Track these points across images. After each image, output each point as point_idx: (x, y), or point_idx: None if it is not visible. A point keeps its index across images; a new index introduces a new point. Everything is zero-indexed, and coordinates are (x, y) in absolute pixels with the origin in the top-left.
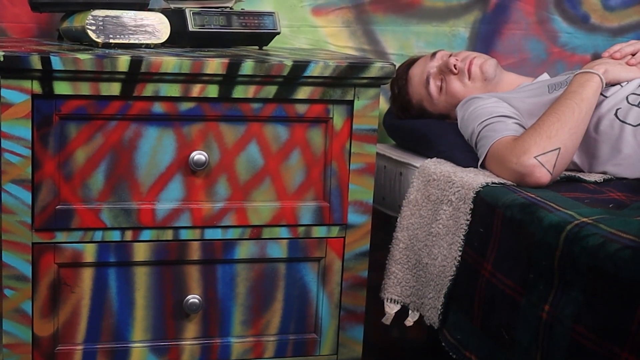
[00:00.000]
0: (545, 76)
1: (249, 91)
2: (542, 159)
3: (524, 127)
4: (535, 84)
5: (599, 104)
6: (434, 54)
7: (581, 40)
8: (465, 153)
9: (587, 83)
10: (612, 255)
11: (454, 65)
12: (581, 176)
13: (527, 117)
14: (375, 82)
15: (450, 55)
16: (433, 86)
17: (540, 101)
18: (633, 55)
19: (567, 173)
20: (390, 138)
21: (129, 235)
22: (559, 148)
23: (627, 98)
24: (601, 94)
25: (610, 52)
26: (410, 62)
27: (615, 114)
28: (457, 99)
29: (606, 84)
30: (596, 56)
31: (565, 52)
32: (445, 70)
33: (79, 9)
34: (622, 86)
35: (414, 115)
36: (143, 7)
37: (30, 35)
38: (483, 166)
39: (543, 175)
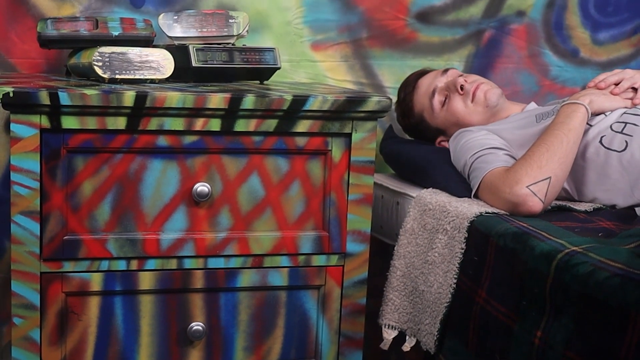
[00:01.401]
0: (532, 105)
1: (251, 125)
2: (534, 189)
3: (514, 158)
4: (524, 114)
5: (584, 133)
6: (445, 70)
7: (571, 74)
8: (459, 184)
9: (573, 114)
10: (602, 283)
11: (461, 86)
12: (572, 205)
13: (517, 148)
14: (372, 116)
15: (460, 76)
16: (437, 100)
17: (529, 132)
18: (616, 84)
19: (558, 202)
20: (387, 166)
21: (134, 265)
22: (550, 177)
23: (610, 126)
24: (587, 123)
25: (596, 81)
26: (422, 73)
27: (600, 142)
28: (456, 117)
29: (591, 114)
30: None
31: (555, 84)
32: (452, 88)
33: (86, 46)
34: (606, 115)
35: (412, 124)
36: (148, 43)
37: (39, 71)
38: (476, 196)
39: (535, 204)
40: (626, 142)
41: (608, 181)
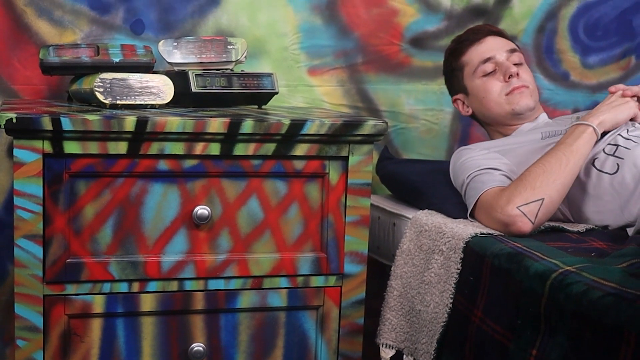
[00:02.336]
0: (544, 117)
1: (249, 149)
2: (524, 209)
3: (511, 179)
4: (530, 131)
5: None
6: (513, 50)
7: (562, 97)
8: (455, 205)
9: (580, 135)
10: (595, 302)
11: (510, 75)
12: (565, 226)
13: (517, 166)
14: (369, 139)
15: (518, 65)
16: (484, 67)
17: (532, 149)
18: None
19: (552, 223)
20: (383, 187)
21: (136, 287)
22: (543, 199)
23: (603, 149)
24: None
25: (619, 88)
26: (497, 32)
27: (593, 164)
28: (484, 94)
29: (604, 132)
30: (576, 111)
31: (547, 107)
32: (502, 69)
33: (87, 72)
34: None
35: (451, 66)
36: (148, 69)
37: (42, 97)
38: (472, 216)
39: (524, 225)
40: (617, 164)
41: (600, 202)
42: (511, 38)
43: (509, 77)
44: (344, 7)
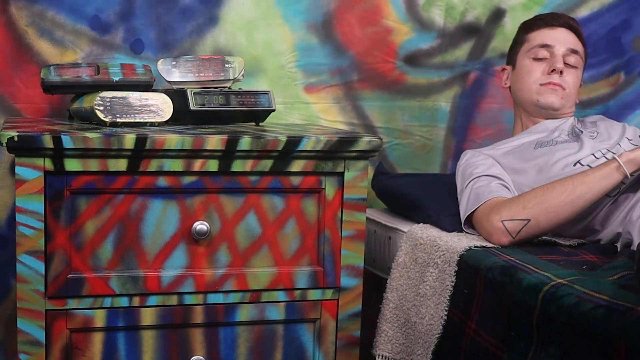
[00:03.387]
0: (548, 124)
1: (247, 165)
2: (507, 224)
3: (507, 187)
4: (529, 137)
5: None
6: (575, 52)
7: None
8: (451, 217)
9: (602, 168)
10: (587, 314)
11: (554, 69)
12: (557, 240)
13: (510, 173)
14: (364, 155)
15: (567, 65)
16: (541, 52)
17: (523, 158)
18: None
19: (544, 237)
20: (379, 201)
21: (136, 301)
22: (529, 220)
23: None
24: (588, 165)
25: None
26: (573, 28)
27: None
28: (523, 75)
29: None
30: None
31: None
32: (551, 60)
33: (87, 91)
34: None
35: (519, 38)
36: (147, 88)
37: (43, 115)
38: (467, 222)
39: (502, 238)
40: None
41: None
42: (584, 41)
43: (552, 71)
44: (339, 26)
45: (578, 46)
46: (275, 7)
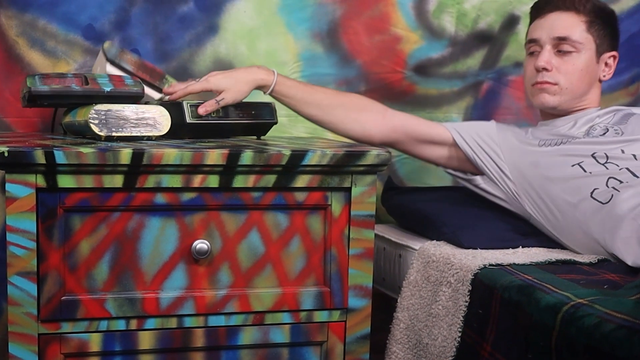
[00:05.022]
0: (557, 122)
1: (249, 180)
2: None
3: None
4: (539, 132)
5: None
6: (564, 39)
7: None
8: (468, 233)
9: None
10: (608, 335)
11: (539, 68)
12: (576, 258)
13: (506, 152)
14: (372, 170)
15: (560, 57)
16: (531, 47)
17: (523, 150)
18: None
19: (563, 257)
20: (388, 217)
21: (133, 324)
22: None
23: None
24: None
25: None
26: (566, 5)
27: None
28: (524, 70)
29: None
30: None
31: None
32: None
33: (77, 102)
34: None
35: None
36: (138, 99)
37: (35, 130)
38: None
39: None
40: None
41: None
42: (587, 11)
43: (537, 69)
44: (345, 34)
45: (571, 29)
46: (278, 15)
